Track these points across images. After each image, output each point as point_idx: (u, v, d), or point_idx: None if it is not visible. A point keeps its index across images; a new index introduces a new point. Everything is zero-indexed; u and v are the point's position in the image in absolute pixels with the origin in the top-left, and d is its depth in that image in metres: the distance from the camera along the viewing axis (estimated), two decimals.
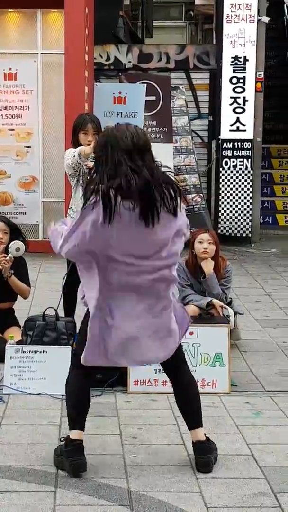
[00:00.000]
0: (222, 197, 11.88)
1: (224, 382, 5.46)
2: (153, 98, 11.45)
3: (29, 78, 10.77)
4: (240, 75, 11.70)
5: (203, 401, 5.21)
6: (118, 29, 14.73)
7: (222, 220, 11.90)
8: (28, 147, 10.90)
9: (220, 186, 11.90)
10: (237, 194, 11.83)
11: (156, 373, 5.41)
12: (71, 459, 4.10)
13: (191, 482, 4.05)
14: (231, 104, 11.73)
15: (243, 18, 11.58)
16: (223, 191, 11.87)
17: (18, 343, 5.73)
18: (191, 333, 5.49)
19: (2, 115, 10.84)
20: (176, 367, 4.27)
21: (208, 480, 4.06)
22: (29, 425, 4.69)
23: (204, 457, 4.20)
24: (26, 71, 10.75)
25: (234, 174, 11.81)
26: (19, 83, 10.78)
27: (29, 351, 5.45)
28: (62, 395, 4.85)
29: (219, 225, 11.86)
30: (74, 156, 5.96)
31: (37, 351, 5.45)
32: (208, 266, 6.29)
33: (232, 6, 11.59)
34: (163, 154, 11.35)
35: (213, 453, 4.27)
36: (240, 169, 11.80)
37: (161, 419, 4.93)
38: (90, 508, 3.74)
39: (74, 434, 4.19)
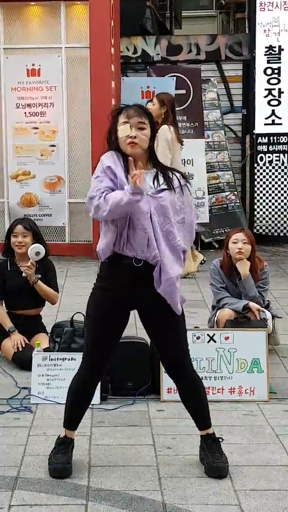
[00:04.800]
0: (258, 195, 11.84)
1: (262, 389, 5.44)
2: (183, 91, 11.44)
3: (53, 74, 10.79)
4: (275, 66, 11.66)
5: (241, 409, 5.26)
6: (145, 21, 14.75)
7: (258, 219, 11.86)
8: (53, 145, 10.93)
9: (255, 183, 11.85)
10: (273, 191, 11.78)
11: None
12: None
13: (229, 494, 4.04)
14: (265, 96, 11.69)
15: (277, 6, 11.53)
16: (258, 188, 11.83)
17: (45, 350, 5.76)
18: (226, 338, 5.49)
19: (25, 113, 10.88)
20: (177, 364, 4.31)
21: (247, 492, 4.06)
22: (57, 436, 4.69)
23: (216, 462, 4.26)
24: (50, 66, 10.78)
25: (270, 170, 11.77)
26: (42, 79, 10.81)
27: (57, 359, 5.48)
28: (93, 405, 4.87)
29: (255, 224, 11.81)
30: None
31: (65, 358, 5.47)
32: (243, 267, 6.26)
33: None
34: (195, 150, 11.48)
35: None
36: (276, 164, 11.76)
37: (195, 429, 4.89)
38: None
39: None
